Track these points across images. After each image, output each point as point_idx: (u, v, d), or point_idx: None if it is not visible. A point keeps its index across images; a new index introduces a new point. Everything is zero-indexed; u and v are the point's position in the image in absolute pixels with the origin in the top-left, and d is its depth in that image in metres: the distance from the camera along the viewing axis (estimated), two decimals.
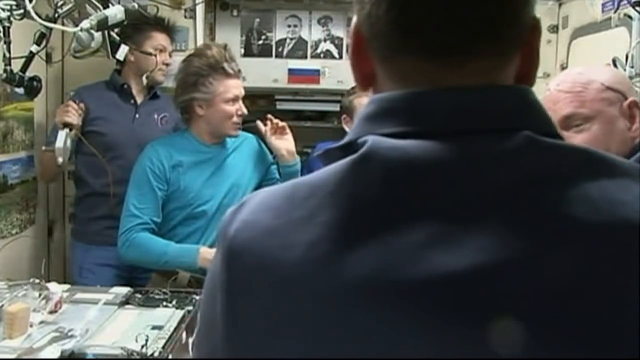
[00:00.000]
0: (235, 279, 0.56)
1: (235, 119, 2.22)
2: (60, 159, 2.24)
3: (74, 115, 2.31)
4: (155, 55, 2.50)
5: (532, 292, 0.49)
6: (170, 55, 2.59)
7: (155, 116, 2.57)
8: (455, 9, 0.54)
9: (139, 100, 2.56)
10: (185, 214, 2.21)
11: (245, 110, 2.24)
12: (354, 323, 0.50)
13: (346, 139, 0.58)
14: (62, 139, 2.24)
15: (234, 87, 2.21)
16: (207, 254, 2.12)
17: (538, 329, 0.48)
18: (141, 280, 2.31)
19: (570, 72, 1.48)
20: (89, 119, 2.45)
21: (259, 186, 2.35)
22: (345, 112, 2.71)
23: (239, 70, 2.26)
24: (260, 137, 2.42)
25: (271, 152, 2.42)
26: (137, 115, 2.54)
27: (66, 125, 2.28)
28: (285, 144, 2.35)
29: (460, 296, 0.49)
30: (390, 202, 0.52)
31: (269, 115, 2.38)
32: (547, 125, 0.56)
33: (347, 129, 2.73)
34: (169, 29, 2.59)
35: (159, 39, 2.52)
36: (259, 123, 2.37)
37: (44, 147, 2.44)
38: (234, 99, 2.21)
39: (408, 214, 0.51)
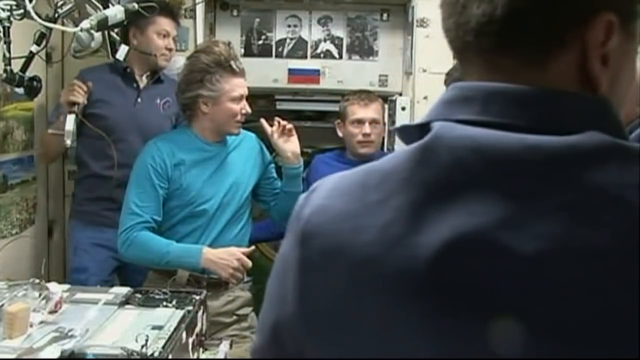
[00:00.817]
0: (308, 259, 0.60)
1: (239, 117, 2.21)
2: (68, 142, 2.24)
3: (79, 94, 2.29)
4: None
5: (593, 280, 0.50)
6: (174, 41, 2.57)
7: (158, 101, 2.56)
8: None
9: (141, 84, 2.56)
10: (186, 213, 2.20)
11: (249, 110, 2.23)
12: (425, 301, 0.53)
13: (424, 119, 0.60)
14: (72, 122, 2.24)
15: (240, 86, 2.20)
16: (210, 254, 2.12)
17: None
18: (135, 264, 2.31)
19: None
20: (91, 101, 2.45)
21: (257, 185, 2.35)
22: (340, 117, 2.71)
23: (243, 69, 2.25)
24: (261, 135, 2.42)
25: (271, 152, 2.41)
26: (139, 100, 2.54)
27: (72, 104, 2.28)
28: (291, 146, 2.33)
29: (529, 276, 0.51)
30: (459, 187, 0.54)
31: (276, 118, 2.36)
32: (616, 130, 0.56)
33: (339, 133, 2.73)
34: (173, 14, 2.57)
35: (163, 23, 2.50)
36: (264, 123, 2.36)
37: (50, 130, 2.43)
38: (240, 98, 2.20)
39: (477, 198, 0.53)
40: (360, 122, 2.61)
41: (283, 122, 2.34)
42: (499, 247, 0.51)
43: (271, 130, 2.33)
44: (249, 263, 2.17)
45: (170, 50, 2.55)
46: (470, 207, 0.53)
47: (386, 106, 3.11)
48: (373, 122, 2.61)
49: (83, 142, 2.49)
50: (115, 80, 2.53)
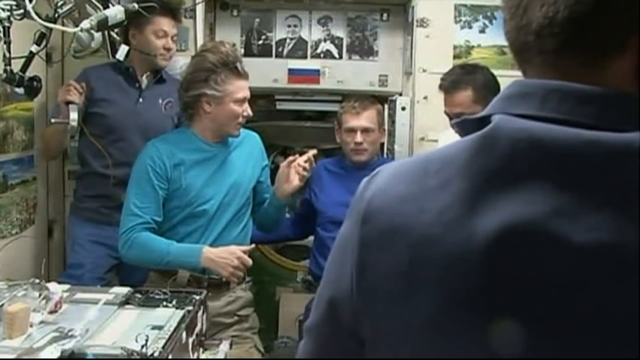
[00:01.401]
0: (369, 238, 0.64)
1: (240, 119, 2.21)
2: (74, 124, 2.25)
3: (75, 94, 2.29)
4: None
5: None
6: (174, 40, 2.56)
7: (160, 101, 2.57)
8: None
9: (143, 84, 2.57)
10: (186, 213, 2.20)
11: (250, 112, 2.23)
12: (480, 280, 0.56)
13: (484, 112, 0.63)
14: (76, 111, 2.25)
15: (243, 89, 2.20)
16: (210, 253, 2.12)
17: None
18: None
19: None
20: (94, 100, 2.47)
21: (255, 185, 2.34)
22: (337, 122, 2.73)
23: (247, 73, 2.24)
24: (261, 136, 2.42)
25: (269, 156, 2.41)
26: (140, 99, 2.55)
27: (68, 103, 2.28)
28: (288, 188, 2.27)
29: (580, 265, 0.53)
30: (516, 176, 0.57)
31: (306, 156, 2.29)
32: None
33: (338, 139, 2.73)
34: (173, 13, 2.55)
35: (160, 23, 2.49)
36: (310, 154, 2.30)
37: (53, 120, 2.42)
38: (242, 100, 2.20)
39: (534, 187, 0.56)
40: (352, 130, 2.62)
41: (303, 162, 2.27)
42: (553, 235, 0.54)
43: (296, 161, 2.27)
44: (249, 262, 2.17)
45: (168, 49, 2.54)
46: (527, 196, 0.55)
47: (386, 106, 3.12)
48: (365, 130, 2.61)
49: (85, 140, 2.50)
50: (118, 79, 2.54)
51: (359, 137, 2.59)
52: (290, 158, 2.31)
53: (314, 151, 2.35)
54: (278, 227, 2.48)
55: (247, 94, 2.22)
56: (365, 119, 2.62)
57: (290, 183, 2.27)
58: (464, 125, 0.65)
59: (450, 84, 2.41)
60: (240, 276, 2.19)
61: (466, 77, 2.40)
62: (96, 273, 2.46)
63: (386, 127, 2.88)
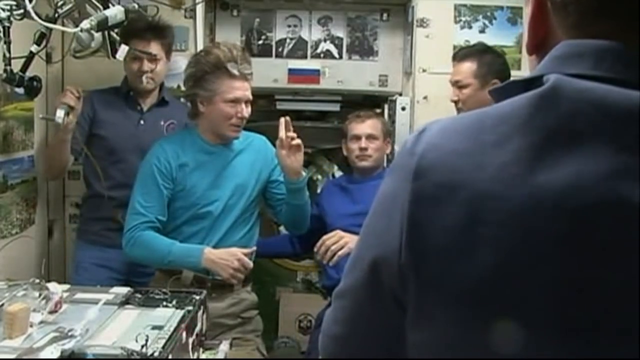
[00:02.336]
0: (424, 193, 0.62)
1: (234, 120, 2.19)
2: (59, 119, 2.22)
3: (71, 97, 2.28)
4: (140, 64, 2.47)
5: None
6: (152, 61, 2.47)
7: (162, 122, 2.58)
8: None
9: (145, 107, 2.58)
10: (190, 214, 2.21)
11: (246, 114, 2.21)
12: (545, 237, 0.56)
13: (534, 74, 0.63)
14: (62, 112, 2.22)
15: (237, 89, 2.18)
16: (211, 254, 2.12)
17: None
18: (138, 285, 2.29)
19: None
20: (96, 122, 2.52)
21: (264, 187, 2.33)
22: (343, 135, 2.75)
23: (250, 73, 2.22)
24: (268, 136, 2.41)
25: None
26: (141, 122, 2.57)
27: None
28: (292, 162, 2.23)
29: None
30: (578, 135, 0.57)
31: (283, 119, 2.26)
32: None
33: (344, 151, 2.75)
34: (150, 33, 2.46)
35: (135, 45, 2.39)
36: (282, 125, 2.25)
37: (40, 115, 2.43)
38: (235, 101, 2.18)
39: (596, 146, 0.56)
40: (357, 137, 2.66)
41: (291, 134, 2.24)
42: (616, 196, 0.55)
43: (281, 137, 2.25)
44: (250, 264, 2.16)
45: (143, 72, 2.46)
46: (589, 156, 0.56)
47: (386, 106, 3.12)
48: (369, 137, 2.65)
49: (88, 162, 2.54)
50: (120, 102, 2.57)
51: (363, 143, 2.63)
52: (277, 142, 2.25)
53: (284, 118, 2.27)
54: (306, 221, 2.41)
55: (241, 94, 2.19)
56: (369, 126, 2.67)
57: (289, 156, 2.22)
58: (508, 88, 0.64)
59: (461, 54, 2.57)
60: (240, 278, 2.19)
61: (477, 52, 2.54)
62: None
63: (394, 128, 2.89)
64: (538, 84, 0.61)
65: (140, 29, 2.44)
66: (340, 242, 2.29)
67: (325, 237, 2.34)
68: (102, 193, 2.49)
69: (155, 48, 2.48)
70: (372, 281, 0.67)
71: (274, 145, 2.31)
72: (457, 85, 2.53)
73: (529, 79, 0.63)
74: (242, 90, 2.20)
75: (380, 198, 0.69)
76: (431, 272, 0.61)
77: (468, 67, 2.52)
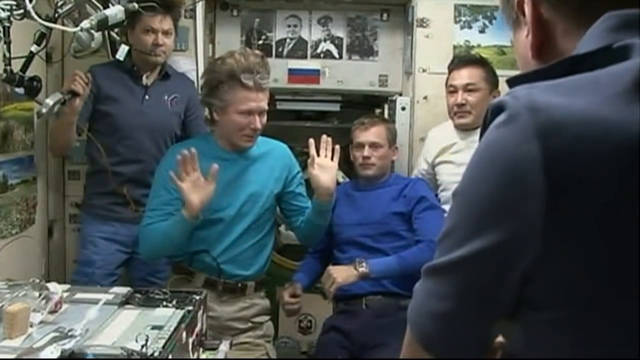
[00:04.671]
0: (556, 152, 0.59)
1: (247, 131, 2.17)
2: (43, 110, 2.19)
3: (79, 84, 2.28)
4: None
5: None
6: (167, 34, 2.52)
7: (166, 97, 2.59)
8: None
9: (148, 81, 2.58)
10: (202, 219, 2.19)
11: (259, 125, 2.17)
12: None
13: (601, 45, 0.63)
14: (51, 101, 2.19)
15: (251, 101, 2.14)
16: (189, 209, 2.05)
17: None
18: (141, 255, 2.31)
19: None
20: (100, 97, 2.51)
21: (280, 197, 2.32)
22: (350, 140, 2.73)
23: (267, 83, 2.18)
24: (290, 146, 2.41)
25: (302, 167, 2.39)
26: (146, 97, 2.56)
27: (71, 93, 2.27)
28: (325, 179, 2.20)
29: None
30: None
31: (324, 138, 2.26)
32: None
33: (351, 156, 2.73)
34: (164, 8, 2.51)
35: (148, 20, 2.47)
36: (312, 145, 2.24)
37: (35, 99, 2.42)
38: (248, 112, 2.15)
39: None
40: (361, 145, 2.64)
41: (327, 139, 2.24)
42: None
43: (313, 155, 2.23)
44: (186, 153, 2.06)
45: (157, 45, 2.50)
46: None
47: (386, 106, 3.12)
48: (373, 145, 2.62)
49: (90, 139, 2.53)
50: (123, 77, 2.56)
51: (366, 151, 2.61)
52: (309, 160, 2.23)
53: (312, 140, 2.26)
54: (320, 237, 2.46)
55: (254, 105, 2.15)
56: (372, 134, 2.64)
57: (322, 174, 2.20)
58: (568, 62, 0.64)
59: (466, 60, 2.62)
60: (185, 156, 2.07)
61: (480, 61, 2.62)
62: (107, 270, 2.51)
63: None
64: (613, 54, 0.60)
65: (154, 3, 2.45)
66: (333, 284, 2.33)
67: (322, 279, 2.41)
68: (107, 168, 2.49)
69: (167, 22, 2.53)
70: (495, 250, 0.63)
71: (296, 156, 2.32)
72: (468, 88, 2.54)
73: (598, 50, 0.62)
74: (256, 101, 2.16)
75: (489, 167, 0.63)
76: (582, 235, 0.59)
77: (477, 71, 2.55)
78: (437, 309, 0.68)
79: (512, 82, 0.67)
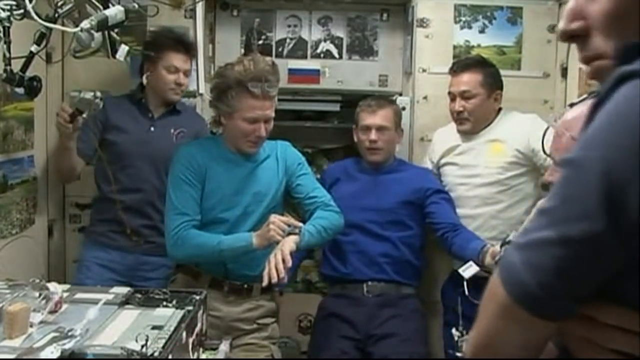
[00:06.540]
0: None
1: (251, 138, 2.19)
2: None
3: (62, 119, 2.32)
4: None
5: None
6: (186, 75, 2.59)
7: (172, 130, 2.62)
8: None
9: (156, 114, 2.62)
10: (208, 218, 2.21)
11: (263, 133, 2.18)
12: None
13: None
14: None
15: (257, 109, 2.14)
16: (259, 237, 2.11)
17: None
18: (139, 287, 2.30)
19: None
20: (108, 126, 2.58)
21: (287, 189, 2.32)
22: (354, 122, 2.72)
23: (269, 92, 2.14)
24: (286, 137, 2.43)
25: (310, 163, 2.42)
26: (152, 128, 2.61)
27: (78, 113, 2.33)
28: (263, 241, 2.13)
29: None
30: None
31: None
32: None
33: (355, 138, 2.73)
34: (186, 48, 2.59)
35: (172, 59, 2.54)
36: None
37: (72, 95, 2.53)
38: (254, 120, 2.15)
39: None
40: (367, 128, 2.62)
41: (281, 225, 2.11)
42: None
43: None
44: (285, 225, 2.11)
45: (179, 85, 2.57)
46: None
47: None
48: (380, 128, 2.61)
49: (97, 166, 2.60)
50: (132, 109, 2.62)
51: (373, 135, 2.59)
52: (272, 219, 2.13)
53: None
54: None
55: (260, 113, 2.15)
56: (380, 117, 2.62)
57: (265, 238, 2.12)
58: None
59: (462, 65, 2.59)
60: (283, 228, 2.10)
61: (478, 63, 2.59)
62: None
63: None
64: None
65: (175, 43, 2.54)
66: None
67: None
68: (110, 196, 2.54)
69: (189, 64, 2.61)
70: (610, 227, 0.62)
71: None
72: (464, 95, 2.53)
73: None
74: (263, 110, 2.15)
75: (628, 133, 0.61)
76: None
77: (474, 77, 2.53)
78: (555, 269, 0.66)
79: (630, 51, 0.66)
